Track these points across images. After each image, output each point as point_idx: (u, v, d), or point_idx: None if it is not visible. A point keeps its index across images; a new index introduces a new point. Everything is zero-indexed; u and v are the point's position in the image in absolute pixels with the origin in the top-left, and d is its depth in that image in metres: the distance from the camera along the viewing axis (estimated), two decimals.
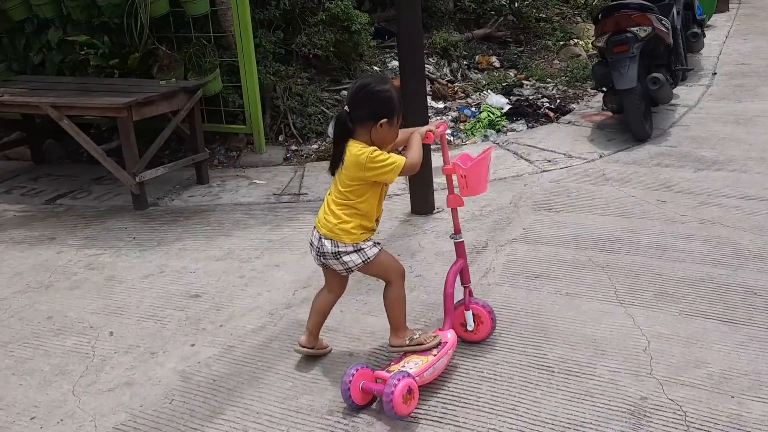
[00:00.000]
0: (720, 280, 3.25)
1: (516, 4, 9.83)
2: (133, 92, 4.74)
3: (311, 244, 2.66)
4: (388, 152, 2.54)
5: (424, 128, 2.66)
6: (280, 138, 6.04)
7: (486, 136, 6.04)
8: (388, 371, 2.48)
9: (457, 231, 2.75)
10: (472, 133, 6.13)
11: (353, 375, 2.43)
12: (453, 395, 2.55)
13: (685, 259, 3.48)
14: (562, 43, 9.30)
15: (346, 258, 2.56)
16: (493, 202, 4.44)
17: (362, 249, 2.56)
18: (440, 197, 4.53)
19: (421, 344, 2.61)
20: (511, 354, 2.78)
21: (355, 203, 2.55)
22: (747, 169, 4.70)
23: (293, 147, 5.91)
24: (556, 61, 8.80)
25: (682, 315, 2.98)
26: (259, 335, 3.04)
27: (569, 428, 2.34)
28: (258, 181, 5.21)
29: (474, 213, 4.30)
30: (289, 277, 3.59)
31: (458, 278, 2.79)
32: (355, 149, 2.47)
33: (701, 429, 2.29)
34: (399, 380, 2.34)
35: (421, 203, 4.35)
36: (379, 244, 2.63)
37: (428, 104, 7.12)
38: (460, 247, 2.78)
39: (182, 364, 2.86)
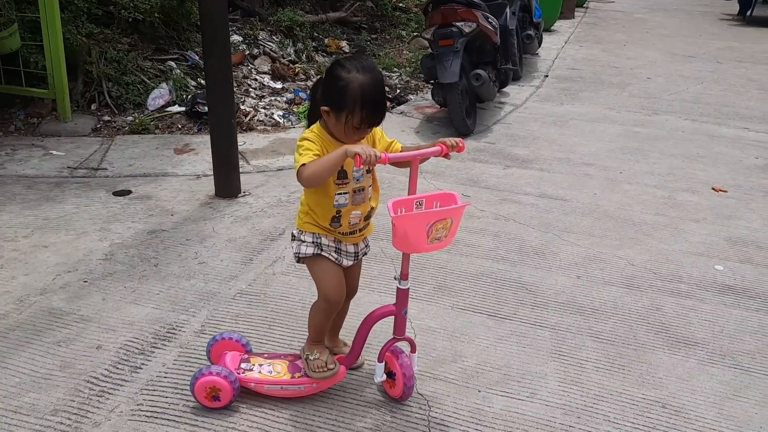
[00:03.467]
0: (498, 275, 3.34)
1: None
2: None
3: None
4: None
5: (356, 148, 1.93)
6: (93, 107, 5.57)
7: None
8: (250, 361, 2.38)
9: (403, 275, 2.23)
10: (304, 117, 5.99)
11: (219, 340, 2.44)
12: None
13: (471, 253, 3.56)
14: (415, 33, 9.39)
15: (293, 242, 2.27)
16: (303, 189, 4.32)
17: (300, 240, 2.23)
18: (247, 180, 4.36)
19: (311, 370, 2.31)
20: (273, 347, 2.67)
21: (305, 190, 2.20)
22: (551, 169, 4.93)
23: (106, 117, 5.47)
24: (406, 51, 8.86)
25: (454, 309, 3.02)
26: None
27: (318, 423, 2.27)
28: (55, 152, 4.75)
29: (281, 199, 4.16)
30: (55, 260, 3.27)
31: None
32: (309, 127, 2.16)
33: (441, 424, 2.30)
34: (212, 374, 2.25)
35: (225, 185, 4.14)
36: (325, 251, 2.21)
37: (266, 84, 6.92)
38: (401, 295, 2.25)
39: None
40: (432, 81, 5.77)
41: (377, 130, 2.21)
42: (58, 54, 4.99)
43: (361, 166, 1.95)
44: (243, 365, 2.35)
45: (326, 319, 2.32)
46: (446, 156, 2.11)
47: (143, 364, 2.53)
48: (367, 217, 2.28)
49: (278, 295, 3.05)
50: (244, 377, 2.30)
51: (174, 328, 2.76)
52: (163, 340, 2.68)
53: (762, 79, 8.42)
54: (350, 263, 2.29)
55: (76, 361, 2.52)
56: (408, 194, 2.10)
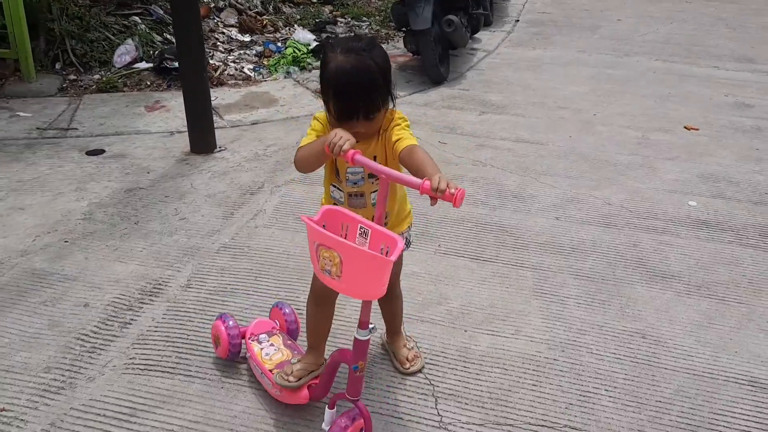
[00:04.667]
0: (478, 219, 3.38)
1: None
2: None
3: None
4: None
5: (330, 134, 1.71)
6: (57, 66, 5.40)
7: (289, 73, 5.83)
8: (270, 338, 2.26)
9: (362, 324, 1.83)
10: (276, 69, 5.89)
11: (275, 307, 2.39)
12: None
13: None
14: None
15: None
16: (279, 142, 4.29)
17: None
18: (222, 135, 4.31)
19: (282, 373, 2.06)
20: (261, 298, 2.69)
21: None
22: (526, 113, 4.95)
23: (72, 77, 5.32)
24: (375, 0, 8.71)
25: (436, 254, 3.07)
26: None
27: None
28: (22, 113, 4.62)
29: (257, 153, 4.13)
30: (33, 221, 3.22)
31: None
32: None
33: (431, 362, 2.37)
34: (221, 321, 2.27)
35: (200, 141, 4.09)
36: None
37: (234, 37, 6.76)
38: (356, 347, 1.85)
39: None
40: (403, 29, 5.69)
41: (395, 123, 1.84)
42: (18, 11, 4.81)
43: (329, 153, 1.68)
44: (261, 336, 2.25)
45: (313, 313, 2.06)
46: (432, 199, 1.57)
47: (132, 319, 2.54)
48: None
49: (262, 248, 3.05)
50: (249, 345, 2.23)
51: (160, 284, 2.76)
52: (150, 295, 2.69)
53: (730, 17, 8.47)
54: None
55: (64, 319, 2.52)
56: (375, 216, 1.75)
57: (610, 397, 2.23)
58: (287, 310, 2.37)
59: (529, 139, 4.45)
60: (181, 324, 2.52)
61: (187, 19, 3.80)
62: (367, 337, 1.83)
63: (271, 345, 2.23)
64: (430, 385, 2.26)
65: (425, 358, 2.38)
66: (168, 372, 2.27)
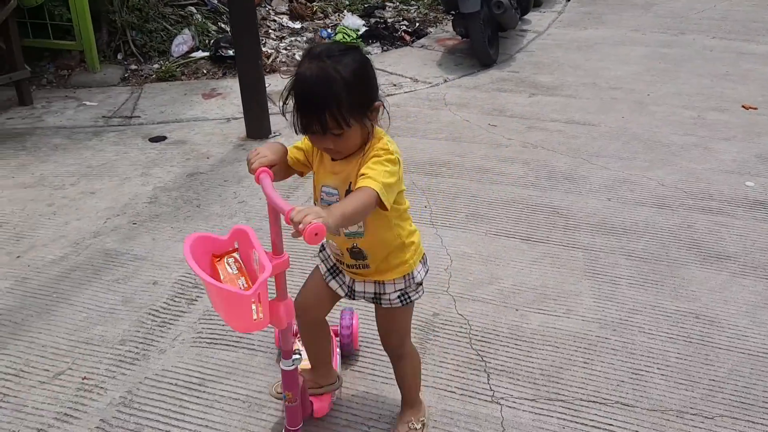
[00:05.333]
0: (529, 200, 3.41)
1: None
2: None
3: None
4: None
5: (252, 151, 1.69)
6: (119, 56, 5.63)
7: None
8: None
9: (283, 354, 1.73)
10: None
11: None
12: None
13: (501, 181, 3.62)
14: None
15: None
16: None
17: None
18: (276, 121, 4.44)
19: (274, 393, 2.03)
20: None
21: None
22: (578, 95, 4.91)
23: (132, 66, 5.53)
24: None
25: (487, 235, 3.12)
26: (58, 266, 2.88)
27: (361, 345, 2.41)
28: (88, 103, 4.85)
29: None
30: (103, 205, 3.41)
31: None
32: None
33: (482, 340, 2.43)
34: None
35: (255, 127, 4.23)
36: (321, 257, 1.91)
37: (285, 25, 6.88)
38: (284, 377, 1.74)
39: None
40: (452, 12, 5.70)
41: (374, 153, 1.60)
42: (83, 5, 5.03)
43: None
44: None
45: (301, 332, 1.96)
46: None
47: (198, 296, 2.68)
48: (356, 255, 1.74)
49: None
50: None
51: None
52: None
53: None
54: (339, 291, 1.87)
55: (136, 296, 2.68)
56: (271, 233, 1.61)
57: (663, 375, 2.26)
58: (346, 318, 2.26)
59: (580, 121, 4.43)
60: None
61: (242, 8, 3.92)
62: (290, 368, 1.71)
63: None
64: (482, 362, 2.32)
65: (475, 335, 2.44)
66: (232, 346, 2.41)
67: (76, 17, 5.11)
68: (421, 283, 1.84)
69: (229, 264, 1.62)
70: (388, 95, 4.94)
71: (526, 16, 6.79)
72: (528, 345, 2.40)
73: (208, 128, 4.43)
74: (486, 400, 2.15)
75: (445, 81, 5.24)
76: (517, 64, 5.63)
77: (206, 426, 2.04)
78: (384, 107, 1.64)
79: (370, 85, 1.59)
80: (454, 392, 2.19)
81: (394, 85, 5.14)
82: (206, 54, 5.69)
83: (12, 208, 3.37)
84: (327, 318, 1.98)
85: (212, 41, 5.77)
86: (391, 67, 5.55)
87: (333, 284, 1.87)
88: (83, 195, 3.52)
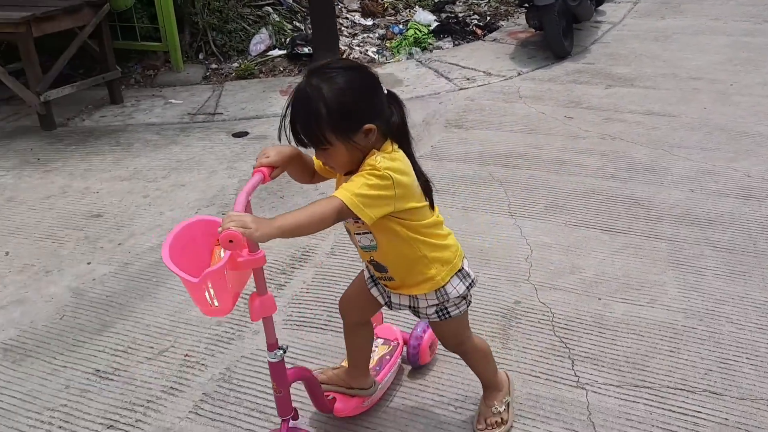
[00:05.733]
0: (609, 192, 3.39)
1: None
2: (28, 6, 4.51)
3: None
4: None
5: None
6: (200, 56, 5.88)
7: (411, 54, 5.99)
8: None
9: (268, 346, 1.72)
10: (398, 51, 6.07)
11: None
12: None
13: (580, 172, 3.61)
14: None
15: None
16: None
17: None
18: None
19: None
20: None
21: None
22: (656, 86, 4.82)
23: (213, 65, 5.77)
24: None
25: (567, 225, 3.12)
26: (156, 253, 3.06)
27: None
28: (174, 101, 5.10)
29: None
30: (194, 196, 3.59)
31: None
32: None
33: (566, 328, 2.45)
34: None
35: None
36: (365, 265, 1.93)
37: (356, 21, 7.01)
38: (270, 369, 1.75)
39: (76, 281, 2.88)
40: (526, 4, 5.68)
41: (361, 168, 1.61)
42: (168, 8, 5.29)
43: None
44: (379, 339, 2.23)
45: (344, 331, 2.04)
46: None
47: (286, 282, 2.81)
48: (378, 268, 1.78)
49: None
50: None
51: (307, 252, 3.02)
52: (300, 261, 2.95)
53: None
54: (380, 299, 1.91)
55: None
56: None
57: (752, 365, 2.22)
58: (419, 328, 2.23)
59: (660, 112, 4.34)
60: (329, 287, 2.75)
61: (322, 6, 4.04)
62: (275, 360, 1.71)
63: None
64: (565, 348, 2.35)
65: (558, 323, 2.47)
66: (321, 328, 2.51)
67: (162, 19, 5.37)
68: (464, 297, 1.82)
69: (223, 250, 1.60)
70: (462, 89, 4.98)
71: (600, 7, 6.68)
72: (612, 333, 2.41)
73: None
74: (571, 385, 2.18)
75: (519, 74, 5.23)
76: (593, 56, 5.55)
77: (299, 401, 2.15)
78: (380, 129, 1.59)
79: (357, 107, 1.56)
80: (538, 377, 2.22)
81: (468, 79, 5.17)
82: (282, 52, 5.87)
83: (111, 199, 3.60)
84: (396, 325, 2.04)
85: (288, 39, 5.95)
86: (465, 61, 5.58)
87: (374, 291, 1.91)
88: (174, 187, 3.72)
